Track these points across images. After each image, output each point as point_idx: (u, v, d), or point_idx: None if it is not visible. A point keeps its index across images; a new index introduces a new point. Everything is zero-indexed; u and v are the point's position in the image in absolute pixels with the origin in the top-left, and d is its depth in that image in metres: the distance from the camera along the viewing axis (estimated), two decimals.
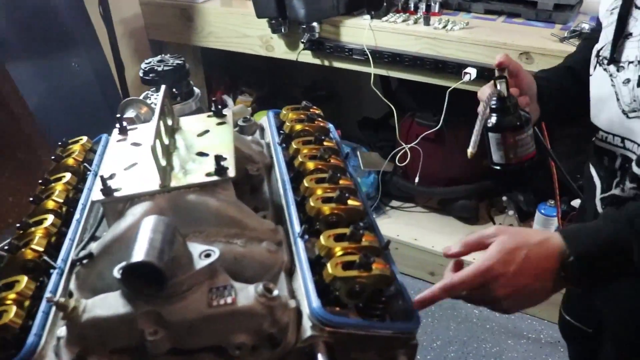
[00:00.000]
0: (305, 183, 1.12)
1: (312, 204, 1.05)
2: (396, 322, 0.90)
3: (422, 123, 2.92)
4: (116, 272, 0.83)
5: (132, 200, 1.01)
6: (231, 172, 1.02)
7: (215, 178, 1.01)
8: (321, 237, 0.96)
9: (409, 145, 2.91)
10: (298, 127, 1.35)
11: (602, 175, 1.27)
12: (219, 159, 1.01)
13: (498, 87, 1.20)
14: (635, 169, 1.13)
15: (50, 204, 1.13)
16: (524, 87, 1.26)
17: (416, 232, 3.08)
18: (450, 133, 2.87)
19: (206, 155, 1.09)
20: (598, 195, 1.28)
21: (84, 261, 0.99)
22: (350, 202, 1.07)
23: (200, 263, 0.87)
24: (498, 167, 1.27)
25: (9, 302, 0.93)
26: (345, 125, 3.38)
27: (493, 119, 1.23)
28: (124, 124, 1.22)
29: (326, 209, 1.04)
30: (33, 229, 1.07)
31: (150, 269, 0.75)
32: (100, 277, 0.98)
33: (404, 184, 3.15)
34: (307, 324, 0.86)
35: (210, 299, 0.85)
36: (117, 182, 1.05)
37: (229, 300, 0.85)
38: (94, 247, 1.01)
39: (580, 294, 1.57)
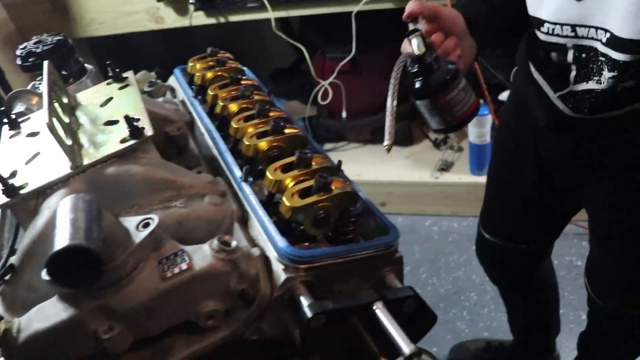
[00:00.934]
0: (234, 124, 1.00)
1: (246, 142, 0.94)
2: (373, 240, 0.82)
3: (334, 57, 2.82)
4: (44, 274, 0.70)
5: (44, 192, 0.87)
6: (148, 131, 0.89)
7: (131, 142, 0.88)
8: (267, 173, 0.86)
9: (327, 82, 2.82)
10: (209, 74, 1.22)
11: (550, 73, 1.19)
12: (130, 120, 0.88)
13: (413, 46, 1.00)
14: (611, 53, 0.99)
15: None
16: (449, 27, 1.07)
17: (357, 168, 3.02)
18: (365, 59, 2.79)
19: (116, 122, 0.95)
20: (552, 95, 1.19)
21: (6, 277, 0.84)
22: (288, 130, 0.97)
23: (140, 235, 0.75)
24: (440, 133, 1.13)
25: None
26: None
27: (416, 85, 1.05)
28: (13, 117, 1.05)
29: (263, 144, 0.94)
30: None
31: (80, 252, 0.63)
32: (29, 289, 0.83)
33: (332, 124, 3.07)
34: (278, 268, 0.77)
35: (162, 272, 0.74)
36: (21, 178, 0.89)
37: (184, 266, 0.74)
38: (13, 259, 0.86)
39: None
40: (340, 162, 0.97)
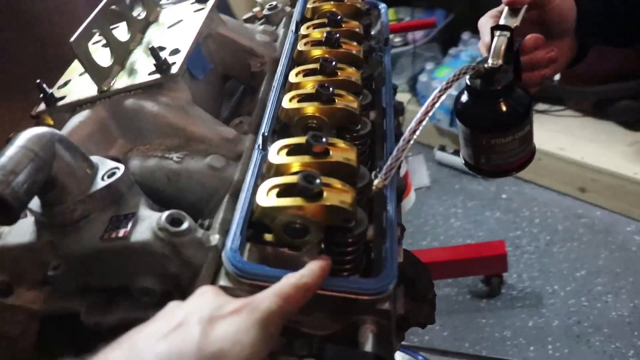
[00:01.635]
0: (291, 77, 0.85)
1: (283, 103, 0.79)
2: (347, 279, 0.62)
3: None
4: None
5: (75, 109, 0.85)
6: (175, 69, 0.80)
7: (154, 77, 0.80)
8: (270, 150, 0.70)
9: None
10: (325, 6, 1.06)
11: None
12: (156, 53, 0.78)
13: (492, 50, 0.75)
14: None
15: None
16: (555, 23, 0.82)
17: (564, 141, 2.53)
18: None
19: (163, 49, 0.87)
20: None
21: None
22: (339, 101, 0.78)
23: (97, 185, 0.68)
24: (466, 166, 0.87)
25: None
26: None
27: (463, 100, 0.79)
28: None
29: (299, 110, 0.77)
30: None
31: None
32: None
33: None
34: (222, 271, 0.63)
35: (104, 231, 0.67)
36: (67, 89, 0.89)
37: (121, 233, 0.65)
38: None
39: None
40: (375, 172, 0.76)
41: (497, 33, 0.75)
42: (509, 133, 0.76)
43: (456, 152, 2.87)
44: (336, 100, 0.78)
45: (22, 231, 0.74)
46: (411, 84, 3.05)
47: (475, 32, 3.31)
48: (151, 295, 0.67)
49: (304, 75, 0.85)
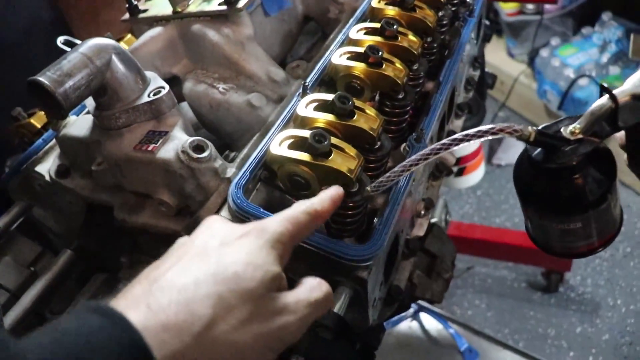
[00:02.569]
0: (351, 33, 0.85)
1: (333, 58, 0.80)
2: (333, 240, 0.65)
3: None
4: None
5: (152, 24, 0.92)
6: (241, 3, 0.83)
7: (221, 7, 0.83)
8: (300, 103, 0.72)
9: None
10: None
11: None
12: None
13: (588, 114, 0.57)
14: None
15: None
16: None
17: None
18: None
19: None
20: None
21: None
22: (387, 67, 0.78)
23: (142, 99, 0.75)
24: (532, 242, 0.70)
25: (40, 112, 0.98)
26: None
27: (523, 164, 0.62)
28: None
29: (345, 67, 0.78)
30: None
31: (42, 90, 0.66)
32: None
33: None
34: (227, 204, 0.69)
35: (139, 142, 0.74)
36: (152, 3, 0.95)
37: (151, 147, 0.72)
38: None
39: None
40: (422, 131, 0.76)
41: (605, 97, 0.57)
42: (574, 219, 0.60)
43: None
44: (384, 66, 0.78)
45: (82, 125, 0.83)
46: (532, 56, 2.86)
47: (618, 15, 2.99)
48: (167, 208, 0.74)
49: (365, 33, 0.84)
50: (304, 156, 0.64)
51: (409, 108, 0.82)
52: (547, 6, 2.75)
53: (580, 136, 0.58)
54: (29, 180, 0.92)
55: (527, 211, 0.65)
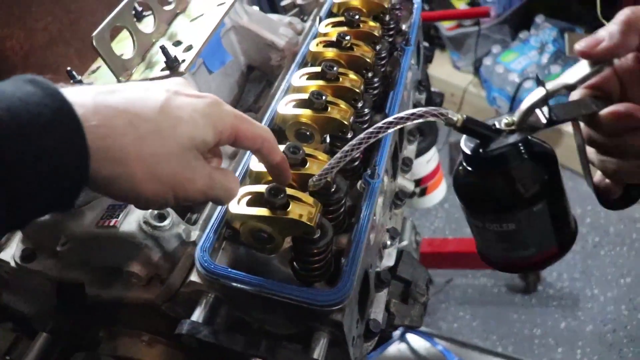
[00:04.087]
0: (293, 80, 0.88)
1: (279, 108, 0.82)
2: (303, 288, 0.66)
3: None
4: None
5: None
6: (183, 67, 0.85)
7: (164, 73, 0.85)
8: (253, 157, 0.74)
9: None
10: (354, 2, 1.07)
11: None
12: (166, 51, 0.84)
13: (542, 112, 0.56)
14: None
15: None
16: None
17: None
18: None
19: (180, 44, 0.92)
20: None
21: None
22: (333, 109, 0.80)
23: None
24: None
25: None
26: None
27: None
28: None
29: (295, 115, 0.80)
30: None
31: None
32: None
33: None
34: (195, 268, 0.69)
35: (100, 218, 0.74)
36: (96, 75, 0.97)
37: (113, 222, 0.72)
38: None
39: None
40: (375, 168, 0.79)
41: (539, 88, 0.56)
42: (504, 217, 0.57)
43: None
44: (329, 109, 0.80)
45: None
46: (477, 66, 2.96)
47: (550, 16, 3.10)
48: (138, 279, 0.74)
49: (307, 79, 0.87)
50: (263, 211, 0.66)
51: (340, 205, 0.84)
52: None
53: (513, 127, 0.56)
54: None
55: (468, 216, 0.63)
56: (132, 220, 0.72)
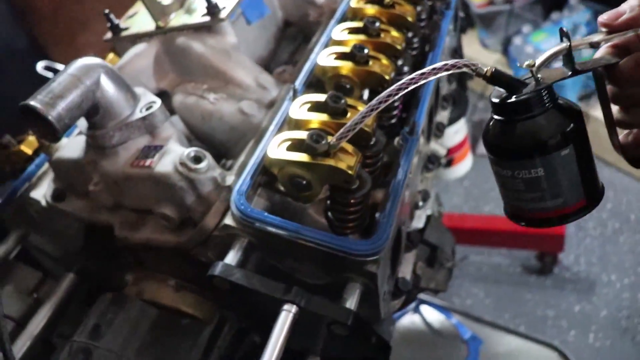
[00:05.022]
0: (334, 34, 0.86)
1: (319, 60, 0.81)
2: (339, 237, 0.65)
3: None
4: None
5: (135, 41, 0.92)
6: (223, 14, 0.83)
7: (204, 19, 0.84)
8: (292, 105, 0.73)
9: None
10: None
11: None
12: None
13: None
14: None
15: None
16: None
17: None
18: None
19: None
20: None
21: None
22: (373, 63, 0.79)
23: (134, 115, 0.75)
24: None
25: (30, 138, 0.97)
26: None
27: (496, 101, 0.59)
28: None
29: (332, 66, 0.79)
30: None
31: (35, 114, 0.66)
32: None
33: None
34: (229, 211, 0.69)
35: (135, 158, 0.74)
36: (133, 20, 0.96)
37: (148, 162, 0.72)
38: None
39: None
40: (414, 124, 0.78)
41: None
42: (534, 162, 0.58)
43: None
44: (370, 63, 0.79)
45: (75, 147, 0.83)
46: (505, 45, 2.90)
47: None
48: (170, 221, 0.74)
49: (348, 33, 0.86)
50: (303, 157, 0.65)
51: (398, 103, 0.84)
52: None
53: (534, 68, 0.57)
54: (24, 207, 0.92)
55: (497, 167, 0.62)
56: (167, 161, 0.72)
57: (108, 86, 0.73)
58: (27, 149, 0.96)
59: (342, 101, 0.70)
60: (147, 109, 0.75)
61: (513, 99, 0.57)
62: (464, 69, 0.56)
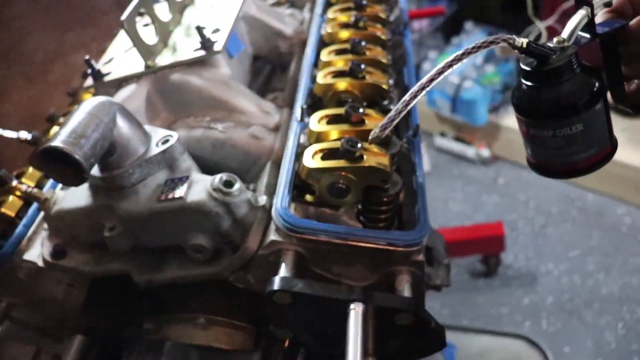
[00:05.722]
0: (322, 56, 0.91)
1: (318, 79, 0.85)
2: (388, 231, 0.69)
3: None
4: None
5: (121, 84, 0.91)
6: (217, 46, 0.85)
7: (199, 54, 0.85)
8: (311, 120, 0.76)
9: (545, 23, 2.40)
10: None
11: None
12: (201, 31, 0.84)
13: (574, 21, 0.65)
14: None
15: None
16: None
17: None
18: None
19: (204, 28, 0.92)
20: None
21: None
22: (369, 77, 0.84)
23: (152, 151, 0.74)
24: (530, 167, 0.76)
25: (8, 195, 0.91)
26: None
27: (526, 68, 0.65)
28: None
29: (332, 84, 0.83)
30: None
31: (60, 157, 0.64)
32: None
33: None
34: (272, 227, 0.70)
35: (160, 193, 0.73)
36: (112, 66, 0.94)
37: (178, 193, 0.71)
38: None
39: None
40: (417, 127, 0.83)
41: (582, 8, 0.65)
42: (573, 120, 0.64)
43: (455, 139, 2.95)
44: (366, 77, 0.84)
45: (77, 196, 0.79)
46: (416, 70, 3.13)
47: (478, 22, 3.32)
48: (204, 252, 0.73)
49: (335, 54, 0.91)
50: (341, 163, 0.68)
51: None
52: (417, 26, 3.05)
53: (566, 44, 0.64)
54: (9, 275, 0.85)
55: (527, 131, 0.69)
56: (199, 189, 0.71)
57: (123, 124, 0.73)
58: (8, 211, 0.90)
59: (361, 110, 0.75)
60: (164, 142, 0.75)
61: (554, 64, 0.63)
62: (503, 44, 0.61)
